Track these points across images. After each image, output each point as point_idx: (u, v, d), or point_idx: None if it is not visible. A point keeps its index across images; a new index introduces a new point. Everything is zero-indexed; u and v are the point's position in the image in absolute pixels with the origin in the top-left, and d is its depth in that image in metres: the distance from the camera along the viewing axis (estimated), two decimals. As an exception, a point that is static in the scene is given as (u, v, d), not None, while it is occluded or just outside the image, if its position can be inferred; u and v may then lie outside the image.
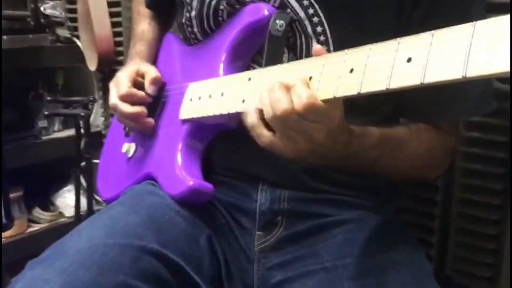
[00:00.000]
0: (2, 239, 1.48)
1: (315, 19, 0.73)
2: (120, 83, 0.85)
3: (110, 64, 1.58)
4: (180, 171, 0.77)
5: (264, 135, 0.61)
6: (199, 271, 0.71)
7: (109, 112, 1.67)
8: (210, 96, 0.75)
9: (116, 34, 1.56)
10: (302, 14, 0.73)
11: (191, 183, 0.75)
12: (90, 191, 1.56)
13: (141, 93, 0.85)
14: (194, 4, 0.81)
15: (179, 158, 0.79)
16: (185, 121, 0.81)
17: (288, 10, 0.74)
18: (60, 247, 0.63)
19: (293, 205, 0.77)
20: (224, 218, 0.79)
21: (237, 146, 0.80)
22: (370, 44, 0.53)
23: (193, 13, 0.82)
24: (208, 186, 0.76)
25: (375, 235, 0.73)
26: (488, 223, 0.95)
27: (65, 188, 1.69)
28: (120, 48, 1.57)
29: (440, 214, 1.02)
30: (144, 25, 0.99)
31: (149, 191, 0.77)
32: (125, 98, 0.84)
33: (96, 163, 1.63)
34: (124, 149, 0.93)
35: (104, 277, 0.58)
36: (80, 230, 0.66)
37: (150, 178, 0.84)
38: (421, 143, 0.74)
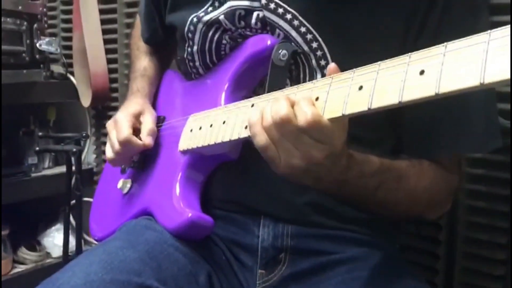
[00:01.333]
0: (-16, 281, 1.41)
1: (319, 53, 0.72)
2: (120, 128, 0.83)
3: (105, 100, 1.57)
4: (178, 203, 0.75)
5: (261, 135, 0.58)
6: (199, 311, 0.67)
7: (101, 149, 1.64)
8: (211, 125, 0.74)
9: (111, 71, 1.56)
10: (306, 47, 0.73)
11: (190, 214, 0.72)
12: (79, 231, 1.50)
13: (139, 142, 0.83)
14: (196, 38, 0.81)
15: (177, 189, 0.76)
16: (184, 152, 0.79)
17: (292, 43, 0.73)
18: (52, 284, 0.59)
19: (297, 242, 0.75)
20: (224, 254, 0.76)
21: (237, 178, 0.78)
22: (379, 62, 0.52)
23: (195, 47, 0.82)
24: (208, 219, 0.73)
25: (381, 273, 0.70)
26: (495, 263, 0.93)
27: (53, 228, 1.63)
28: (115, 85, 1.56)
29: (444, 254, 1.00)
30: (145, 61, 0.99)
31: (146, 226, 0.74)
32: (123, 143, 0.82)
33: (87, 201, 1.59)
34: (119, 185, 0.90)
35: None
36: (73, 266, 0.62)
37: (145, 214, 0.81)
38: (422, 178, 0.71)
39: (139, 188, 0.87)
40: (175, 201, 0.75)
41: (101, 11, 1.54)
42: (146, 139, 0.84)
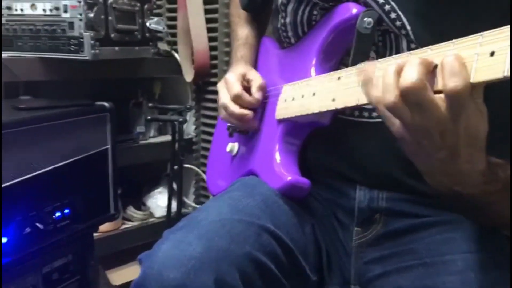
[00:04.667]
0: (99, 233, 1.60)
1: (409, 38, 0.74)
2: (232, 85, 0.92)
3: (205, 76, 1.69)
4: (279, 168, 0.82)
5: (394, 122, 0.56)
6: (305, 256, 0.76)
7: (200, 121, 1.78)
8: (302, 96, 0.80)
9: (211, 48, 1.67)
10: (396, 32, 0.74)
11: (289, 178, 0.80)
12: (180, 193, 1.66)
13: (249, 97, 0.91)
14: (289, 10, 0.85)
15: (277, 156, 0.84)
16: (280, 121, 0.86)
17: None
18: (193, 219, 0.71)
19: (391, 204, 0.80)
20: (325, 211, 0.84)
21: (331, 147, 0.84)
22: (453, 40, 0.52)
23: (288, 19, 0.87)
24: (305, 181, 0.81)
25: (474, 236, 0.74)
26: None
27: (156, 190, 1.80)
28: (214, 61, 1.67)
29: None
30: (246, 29, 1.07)
31: (259, 181, 0.84)
32: (235, 99, 0.91)
33: (187, 168, 1.74)
34: (228, 148, 1.01)
35: (235, 245, 0.66)
36: (206, 208, 0.74)
37: (252, 174, 0.91)
38: None
39: (245, 152, 0.97)
40: (276, 167, 0.83)
41: (204, -8, 1.66)
42: (256, 94, 0.91)
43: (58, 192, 1.09)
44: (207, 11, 1.66)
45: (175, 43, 1.73)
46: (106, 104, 1.19)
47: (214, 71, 1.68)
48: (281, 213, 0.76)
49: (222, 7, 1.61)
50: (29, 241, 1.03)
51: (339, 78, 0.72)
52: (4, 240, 0.99)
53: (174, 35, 1.74)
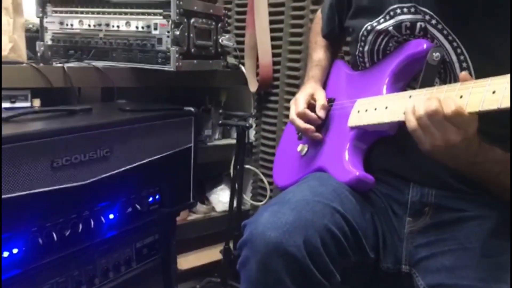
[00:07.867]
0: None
1: (464, 65, 0.92)
2: (298, 103, 1.13)
3: (268, 87, 1.90)
4: (348, 165, 1.01)
5: (413, 121, 0.82)
6: (366, 237, 0.95)
7: (260, 127, 1.98)
8: (375, 109, 0.98)
9: (275, 63, 1.87)
10: (454, 58, 0.93)
11: (357, 173, 0.98)
12: (240, 191, 1.85)
13: (313, 115, 1.11)
14: (368, 41, 1.05)
15: (346, 155, 1.03)
16: (352, 128, 1.05)
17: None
18: (282, 199, 0.92)
19: (439, 200, 0.98)
20: (383, 203, 1.03)
21: (393, 152, 1.02)
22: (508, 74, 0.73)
23: (366, 48, 1.06)
24: (370, 177, 0.99)
25: (506, 226, 0.91)
26: None
27: (218, 188, 2.01)
28: (277, 75, 1.87)
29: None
30: (320, 53, 1.27)
31: (328, 176, 1.03)
32: (300, 116, 1.11)
33: (247, 168, 1.94)
34: (299, 148, 1.21)
35: (317, 218, 0.86)
36: (291, 191, 0.94)
37: (321, 171, 1.09)
38: None
39: (314, 152, 1.16)
40: (345, 164, 1.01)
41: (270, 13, 1.86)
42: (319, 112, 1.11)
43: (151, 180, 1.31)
44: (272, 30, 1.87)
45: (242, 57, 1.93)
46: (192, 109, 1.40)
47: (276, 83, 1.88)
48: (348, 201, 0.95)
49: (287, 27, 1.81)
50: (129, 219, 1.25)
51: (410, 96, 0.90)
52: (111, 216, 1.21)
53: (240, 50, 1.95)
